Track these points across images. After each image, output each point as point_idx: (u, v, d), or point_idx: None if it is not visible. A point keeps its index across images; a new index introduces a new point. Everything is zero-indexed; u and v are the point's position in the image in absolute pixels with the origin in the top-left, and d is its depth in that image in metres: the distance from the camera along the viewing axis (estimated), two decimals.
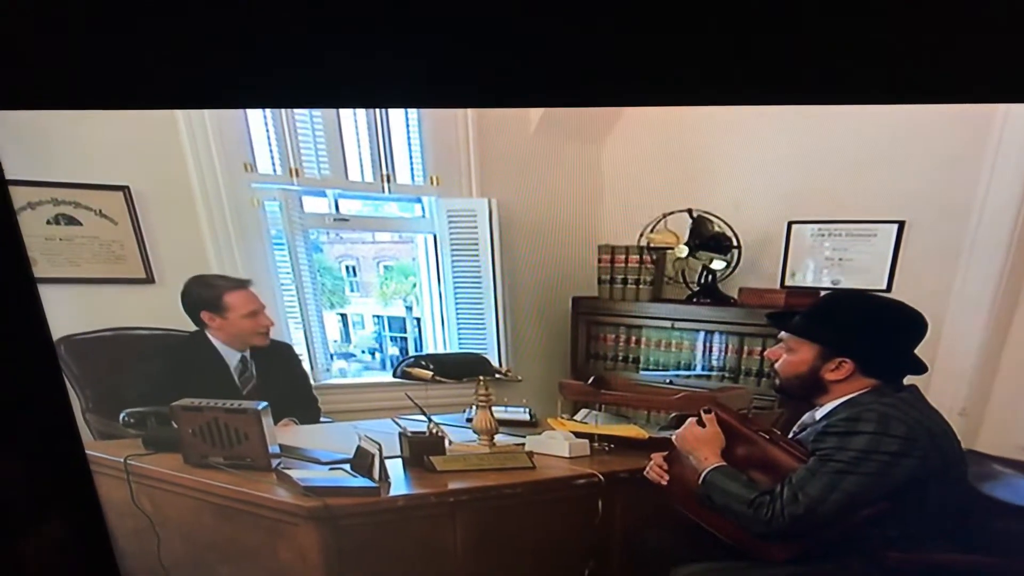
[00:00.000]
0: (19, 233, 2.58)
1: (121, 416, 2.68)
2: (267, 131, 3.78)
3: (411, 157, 4.16)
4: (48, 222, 3.20)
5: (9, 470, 2.14)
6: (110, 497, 2.51)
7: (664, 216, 3.98)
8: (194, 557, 2.46)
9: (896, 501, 2.33)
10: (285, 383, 3.30)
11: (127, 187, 3.40)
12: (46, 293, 2.74)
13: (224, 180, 3.64)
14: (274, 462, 2.52)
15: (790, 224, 3.82)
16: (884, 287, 3.31)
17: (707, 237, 3.93)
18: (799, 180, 3.79)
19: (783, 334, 2.62)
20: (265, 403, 2.60)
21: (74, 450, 2.42)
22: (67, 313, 3.01)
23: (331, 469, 2.56)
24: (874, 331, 2.50)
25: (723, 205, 3.92)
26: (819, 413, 2.51)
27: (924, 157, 3.13)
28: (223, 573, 2.43)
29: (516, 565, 2.56)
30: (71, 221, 3.25)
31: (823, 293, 3.46)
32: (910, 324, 2.49)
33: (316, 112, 3.91)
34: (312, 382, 3.71)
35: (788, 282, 3.81)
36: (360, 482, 2.45)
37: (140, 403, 2.74)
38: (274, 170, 3.80)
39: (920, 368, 2.47)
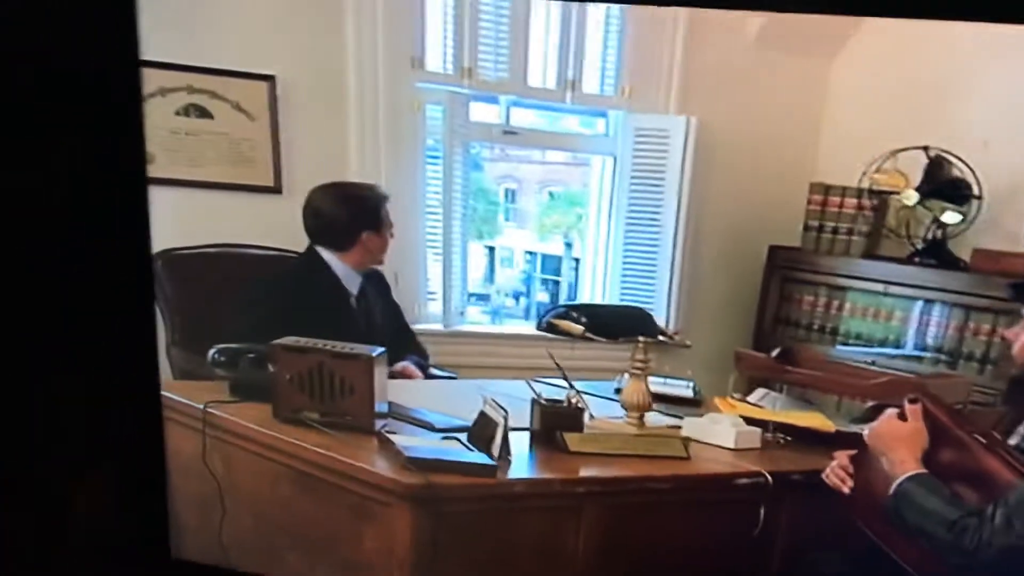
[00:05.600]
0: (142, 123, 2.32)
1: (210, 353, 2.39)
2: (444, 22, 3.51)
3: (604, 62, 3.83)
4: (177, 112, 3.04)
5: (71, 399, 1.88)
6: (178, 451, 2.23)
7: (894, 153, 3.61)
8: (260, 538, 2.18)
9: None
10: (389, 317, 3.02)
11: (273, 77, 3.19)
12: (156, 197, 2.51)
13: (385, 76, 3.37)
14: (378, 424, 2.20)
15: None
16: None
17: (942, 182, 3.54)
18: None
19: None
20: (382, 349, 2.26)
21: (149, 388, 2.15)
22: (173, 222, 2.79)
23: (444, 438, 2.23)
24: None
25: (968, 144, 3.52)
26: None
27: None
28: (290, 561, 2.14)
29: None
30: (203, 113, 3.07)
31: None
32: None
33: (503, 2, 3.60)
34: (441, 327, 3.48)
35: None
36: (475, 457, 2.10)
37: (235, 339, 2.44)
38: (444, 68, 3.53)
39: None
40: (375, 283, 2.98)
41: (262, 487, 2.18)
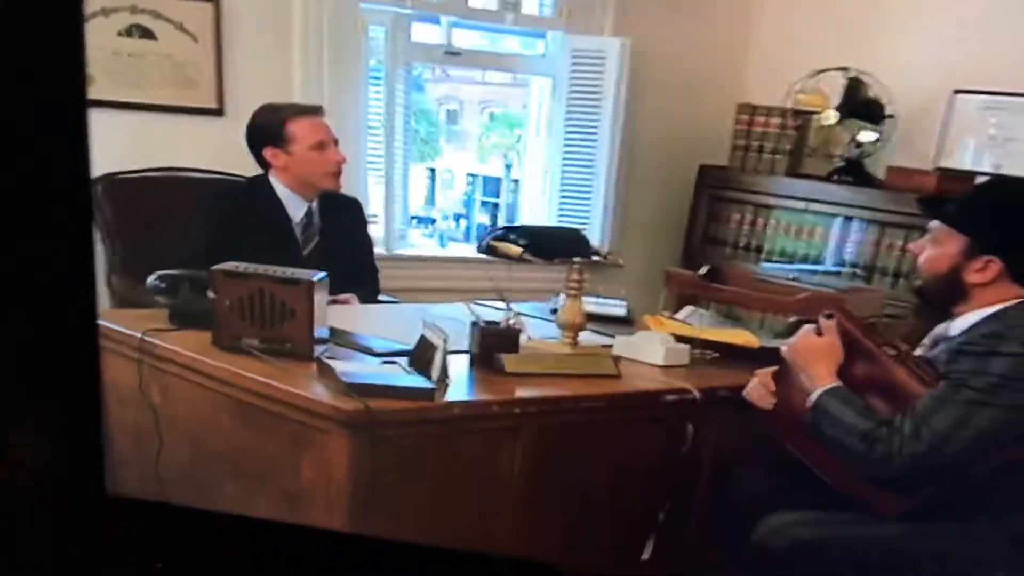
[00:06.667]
0: (83, 44, 2.25)
1: (149, 279, 2.27)
2: None
3: None
4: (119, 33, 2.98)
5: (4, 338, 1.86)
6: (115, 382, 2.15)
7: (817, 73, 3.70)
8: (199, 469, 2.14)
9: None
10: (349, 247, 2.91)
11: None
12: (96, 120, 2.46)
13: None
14: (318, 349, 2.13)
15: (954, 93, 3.56)
16: None
17: (860, 103, 3.66)
18: (974, 44, 3.52)
19: (932, 223, 2.16)
20: (323, 274, 2.21)
21: (86, 317, 2.12)
22: (115, 146, 2.75)
23: (384, 362, 2.18)
24: None
25: (883, 66, 3.64)
26: (956, 327, 2.08)
27: None
28: (228, 492, 2.07)
29: (576, 503, 2.21)
30: (146, 34, 3.02)
31: (979, 180, 3.09)
32: None
33: None
34: (383, 251, 3.44)
35: (942, 163, 3.58)
36: (413, 381, 2.04)
37: (177, 264, 2.35)
38: None
39: None
40: (342, 212, 2.90)
41: (200, 417, 2.15)
